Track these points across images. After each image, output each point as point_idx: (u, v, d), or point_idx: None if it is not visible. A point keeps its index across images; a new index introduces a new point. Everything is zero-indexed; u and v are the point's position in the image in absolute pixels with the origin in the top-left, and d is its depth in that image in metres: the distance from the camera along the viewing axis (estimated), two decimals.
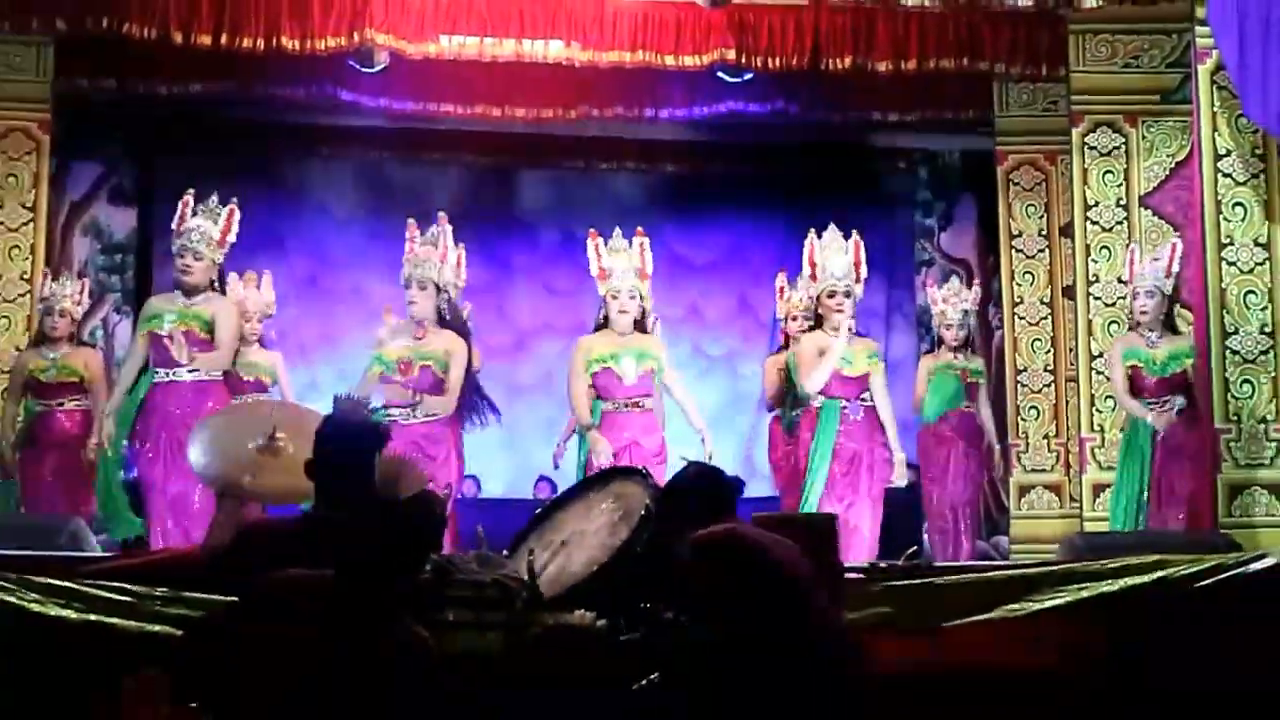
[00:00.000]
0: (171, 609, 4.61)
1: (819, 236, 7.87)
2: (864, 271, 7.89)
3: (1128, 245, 8.41)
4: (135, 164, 10.83)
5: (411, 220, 7.77)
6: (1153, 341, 7.74)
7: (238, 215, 7.57)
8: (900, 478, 7.83)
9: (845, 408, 7.69)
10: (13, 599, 4.66)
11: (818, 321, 7.87)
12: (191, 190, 7.61)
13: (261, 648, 3.54)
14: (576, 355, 7.74)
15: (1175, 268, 7.79)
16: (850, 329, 7.73)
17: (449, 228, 7.73)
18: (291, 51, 8.81)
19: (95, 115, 10.37)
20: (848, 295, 7.76)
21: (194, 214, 7.49)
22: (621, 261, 7.71)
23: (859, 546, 7.37)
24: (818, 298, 7.83)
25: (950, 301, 9.00)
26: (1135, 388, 7.75)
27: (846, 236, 7.86)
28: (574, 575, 4.64)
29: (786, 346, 8.63)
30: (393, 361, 7.48)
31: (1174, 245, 7.87)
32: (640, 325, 7.73)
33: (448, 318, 7.61)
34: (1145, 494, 7.64)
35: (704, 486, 4.49)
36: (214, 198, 7.57)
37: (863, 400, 7.71)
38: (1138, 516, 7.61)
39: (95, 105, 10.15)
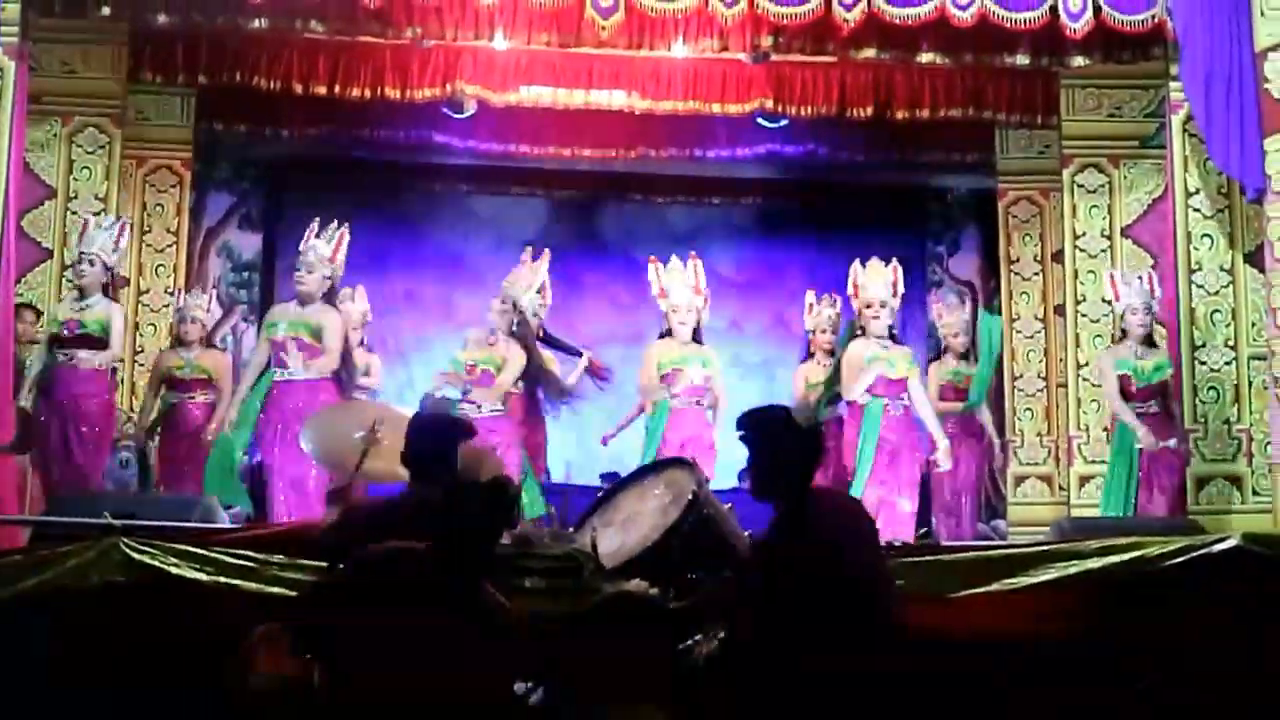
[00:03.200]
0: (288, 574, 4.66)
1: (863, 265, 7.92)
2: (900, 288, 7.92)
3: (1110, 270, 8.36)
4: (261, 195, 10.91)
5: (529, 247, 7.88)
6: (1140, 354, 7.66)
7: (347, 238, 7.66)
8: (945, 461, 7.77)
9: (888, 405, 7.67)
10: (157, 563, 4.73)
11: (861, 331, 7.88)
12: (317, 218, 7.72)
13: (364, 607, 3.57)
14: (649, 360, 7.83)
15: (1158, 291, 7.72)
16: (891, 335, 7.79)
17: (545, 271, 7.86)
18: (393, 100, 8.96)
19: (228, 154, 10.49)
20: (884, 305, 7.78)
21: (316, 236, 7.60)
22: (678, 281, 7.77)
23: (898, 526, 7.31)
24: (860, 311, 7.85)
25: (953, 314, 8.93)
26: (1123, 393, 7.66)
27: (885, 263, 7.90)
28: (630, 550, 4.65)
29: (813, 356, 8.59)
30: (462, 362, 7.69)
31: (1149, 272, 7.81)
32: (696, 336, 7.78)
33: (519, 332, 7.73)
34: (1134, 484, 7.56)
35: (792, 435, 4.21)
36: (334, 224, 7.66)
37: (901, 400, 7.69)
38: (1126, 504, 7.53)
39: (228, 145, 10.26)
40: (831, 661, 3.79)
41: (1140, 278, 7.79)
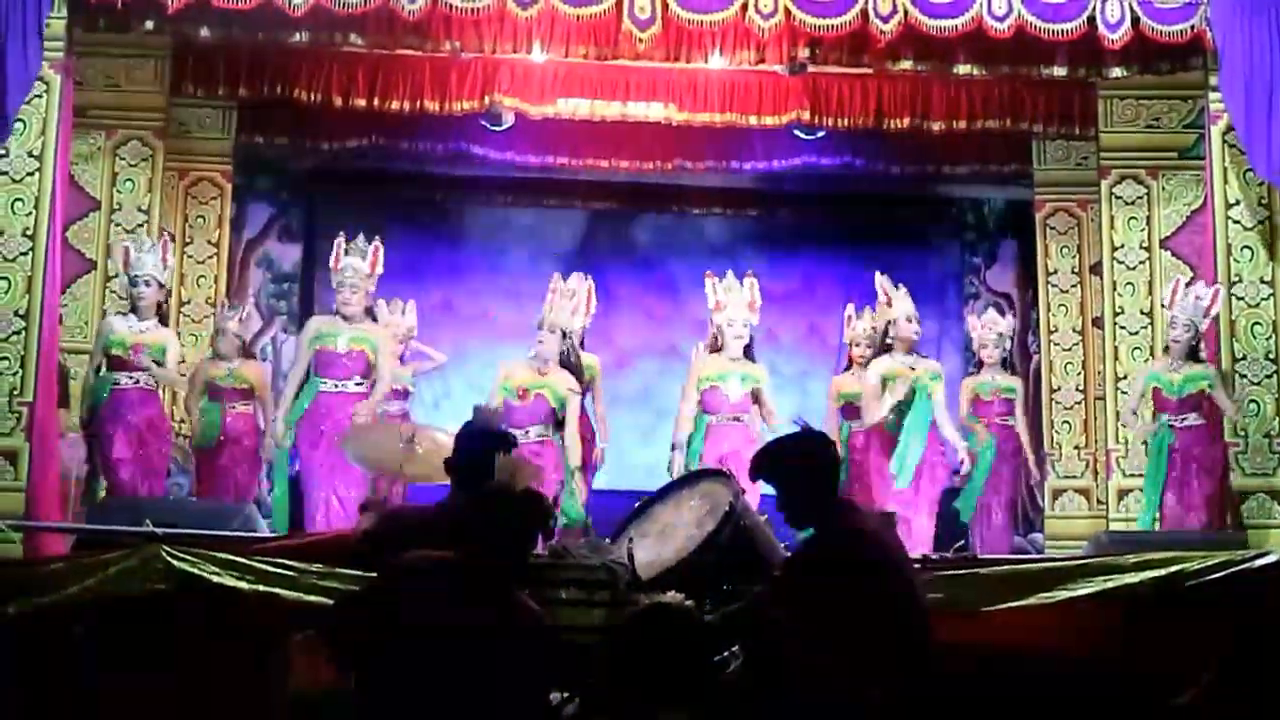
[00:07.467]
0: (326, 582, 4.68)
1: (883, 273, 7.94)
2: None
3: (1149, 282, 8.32)
4: (301, 207, 10.99)
5: (557, 273, 7.86)
6: (1175, 367, 7.58)
7: (382, 252, 7.69)
8: (967, 462, 7.79)
9: None
10: (198, 571, 4.76)
11: (886, 347, 7.87)
12: (343, 233, 7.75)
13: (397, 615, 3.59)
14: (691, 376, 7.78)
15: (1215, 310, 7.54)
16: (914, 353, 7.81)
17: (590, 283, 7.80)
18: (432, 112, 9.01)
19: (269, 166, 10.57)
20: (909, 321, 7.80)
21: (347, 253, 7.60)
22: (734, 297, 7.75)
23: (916, 540, 7.28)
24: (892, 322, 7.86)
25: (986, 327, 8.90)
26: (1158, 407, 7.62)
27: (896, 285, 7.95)
28: (666, 561, 4.66)
29: (850, 368, 8.58)
30: (514, 388, 7.49)
31: (1216, 290, 7.53)
32: (748, 351, 7.75)
33: (571, 359, 7.64)
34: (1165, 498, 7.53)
35: (814, 454, 4.23)
36: (360, 237, 7.69)
37: None
38: (1162, 518, 7.48)
39: (269, 157, 10.35)
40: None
41: (1199, 296, 7.58)
